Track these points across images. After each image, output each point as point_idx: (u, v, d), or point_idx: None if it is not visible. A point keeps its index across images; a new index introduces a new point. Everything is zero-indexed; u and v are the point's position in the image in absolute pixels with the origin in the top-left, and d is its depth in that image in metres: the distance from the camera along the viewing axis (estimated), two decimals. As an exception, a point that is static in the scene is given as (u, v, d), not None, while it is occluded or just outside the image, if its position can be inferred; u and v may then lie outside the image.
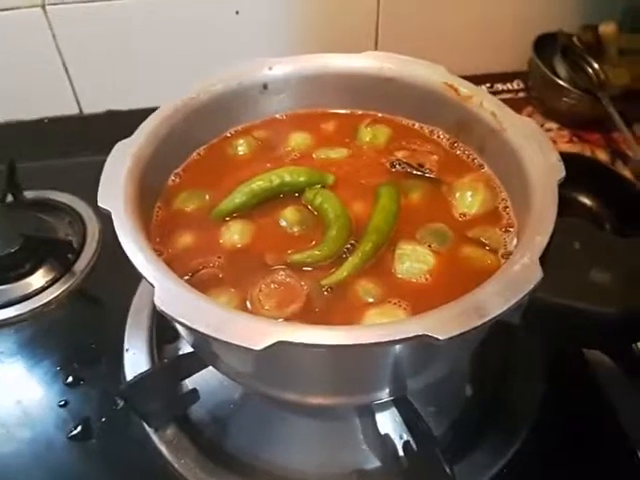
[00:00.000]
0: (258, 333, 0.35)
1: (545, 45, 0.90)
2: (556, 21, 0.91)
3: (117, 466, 0.55)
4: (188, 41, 0.89)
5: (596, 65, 0.85)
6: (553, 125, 0.89)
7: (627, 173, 0.80)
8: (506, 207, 0.49)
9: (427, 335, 0.34)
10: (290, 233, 0.48)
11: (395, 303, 0.42)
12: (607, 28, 0.86)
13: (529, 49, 0.90)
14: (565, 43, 0.89)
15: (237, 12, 0.87)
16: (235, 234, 0.48)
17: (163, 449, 0.54)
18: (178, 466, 0.53)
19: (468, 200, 0.49)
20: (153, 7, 0.85)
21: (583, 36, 0.88)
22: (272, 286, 0.44)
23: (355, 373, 0.44)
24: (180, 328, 0.47)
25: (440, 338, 0.33)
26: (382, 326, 0.36)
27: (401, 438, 0.53)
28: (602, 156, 0.85)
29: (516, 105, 0.50)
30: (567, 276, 0.40)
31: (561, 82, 0.86)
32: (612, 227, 0.72)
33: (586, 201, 0.75)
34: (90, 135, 0.91)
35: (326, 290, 0.43)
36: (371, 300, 0.43)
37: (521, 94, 0.96)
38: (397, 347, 0.38)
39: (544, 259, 0.38)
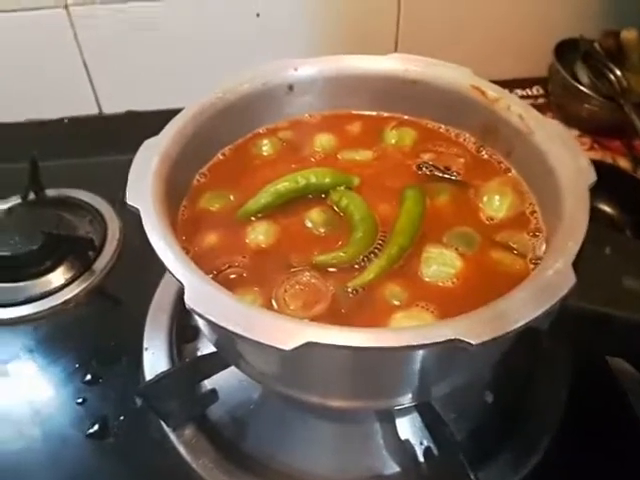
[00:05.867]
0: (288, 333, 0.34)
1: (566, 51, 0.89)
2: (577, 27, 0.90)
3: (134, 465, 0.54)
4: (208, 43, 0.89)
5: (618, 72, 0.84)
6: (574, 132, 0.89)
7: (649, 180, 0.79)
8: (534, 211, 0.48)
9: (460, 339, 0.33)
10: (316, 234, 0.48)
11: (422, 306, 0.42)
12: (629, 34, 0.85)
13: (549, 55, 0.89)
14: (586, 49, 0.88)
15: (258, 14, 0.87)
16: (260, 234, 0.47)
17: (181, 449, 0.53)
18: (196, 466, 0.52)
19: (496, 204, 0.49)
20: (173, 8, 0.85)
21: (604, 42, 0.87)
22: (297, 287, 0.43)
23: (380, 377, 0.43)
24: (204, 327, 0.47)
25: (473, 343, 0.33)
26: (414, 329, 0.36)
27: (421, 444, 0.53)
28: (623, 163, 0.84)
29: (536, 111, 0.50)
30: (599, 282, 0.39)
31: (582, 88, 0.85)
32: (633, 234, 0.71)
33: (606, 208, 0.74)
34: (110, 135, 0.91)
35: (352, 292, 0.43)
36: (397, 303, 0.42)
37: (541, 100, 0.96)
38: (426, 351, 0.38)
39: (576, 265, 0.37)
